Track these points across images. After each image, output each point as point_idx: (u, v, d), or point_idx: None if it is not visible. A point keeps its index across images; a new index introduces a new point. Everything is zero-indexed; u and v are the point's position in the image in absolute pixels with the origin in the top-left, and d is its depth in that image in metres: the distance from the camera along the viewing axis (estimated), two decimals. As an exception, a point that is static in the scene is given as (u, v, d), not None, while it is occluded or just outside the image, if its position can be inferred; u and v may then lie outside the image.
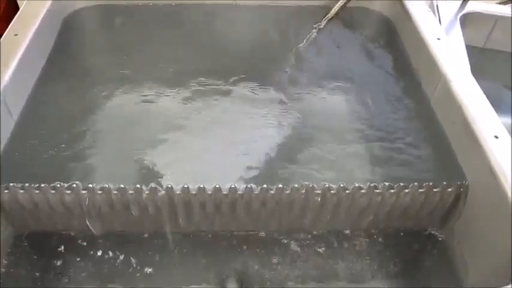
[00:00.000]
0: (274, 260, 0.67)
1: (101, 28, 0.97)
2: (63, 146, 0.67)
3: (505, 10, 1.10)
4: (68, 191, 0.61)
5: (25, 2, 0.86)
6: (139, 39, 0.91)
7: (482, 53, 1.14)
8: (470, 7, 1.09)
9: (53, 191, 0.61)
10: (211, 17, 0.98)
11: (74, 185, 0.61)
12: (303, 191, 0.63)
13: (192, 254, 0.67)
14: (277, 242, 0.68)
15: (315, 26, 0.96)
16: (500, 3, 1.15)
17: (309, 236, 0.69)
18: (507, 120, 0.97)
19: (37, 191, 0.61)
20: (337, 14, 0.97)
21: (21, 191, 0.61)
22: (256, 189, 0.62)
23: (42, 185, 0.61)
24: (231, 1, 1.00)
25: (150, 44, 0.90)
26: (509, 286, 0.51)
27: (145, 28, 0.94)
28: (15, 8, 1.30)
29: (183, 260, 0.67)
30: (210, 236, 0.68)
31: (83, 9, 0.97)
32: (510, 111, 1.05)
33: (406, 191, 0.64)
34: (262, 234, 0.69)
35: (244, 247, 0.68)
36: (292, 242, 0.68)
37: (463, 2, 1.09)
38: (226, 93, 0.78)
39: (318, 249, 0.68)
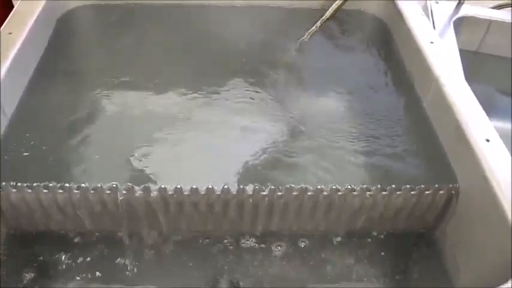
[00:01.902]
0: (267, 261, 0.67)
1: (96, 28, 0.97)
2: (57, 145, 0.67)
3: (498, 14, 1.11)
4: (61, 191, 0.61)
5: (20, 0, 0.86)
6: (134, 39, 0.91)
7: (475, 56, 1.15)
8: (464, 11, 1.10)
9: (46, 190, 0.61)
10: (207, 17, 0.98)
11: (67, 185, 0.61)
12: (296, 192, 0.63)
13: (185, 255, 0.67)
14: (270, 242, 0.68)
15: (309, 28, 0.96)
16: (494, 8, 1.16)
17: (302, 237, 0.69)
18: (499, 124, 0.98)
19: (29, 190, 0.61)
20: (332, 16, 0.98)
21: (14, 190, 0.61)
22: (249, 190, 0.62)
23: (35, 184, 0.61)
24: (229, 2, 1.00)
25: (144, 44, 0.90)
26: (509, 285, 0.51)
27: (140, 28, 0.94)
28: (10, 6, 1.30)
29: (175, 260, 0.66)
30: (202, 236, 0.68)
31: (78, 8, 0.96)
32: (501, 115, 1.06)
33: (398, 193, 0.64)
34: (255, 234, 0.69)
35: (238, 248, 0.68)
36: (285, 243, 0.68)
37: (457, 6, 1.10)
38: (221, 94, 0.79)
39: (311, 250, 0.68)
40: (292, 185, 0.63)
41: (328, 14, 0.97)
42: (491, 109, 0.96)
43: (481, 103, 0.70)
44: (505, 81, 1.11)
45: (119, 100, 0.76)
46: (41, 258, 0.65)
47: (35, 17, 0.81)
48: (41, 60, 0.81)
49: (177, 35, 0.93)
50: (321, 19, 0.97)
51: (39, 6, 0.85)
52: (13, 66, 0.71)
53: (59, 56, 0.85)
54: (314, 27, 0.97)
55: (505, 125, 1.05)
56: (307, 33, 0.95)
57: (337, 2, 0.97)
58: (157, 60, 0.85)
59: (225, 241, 0.68)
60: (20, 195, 0.61)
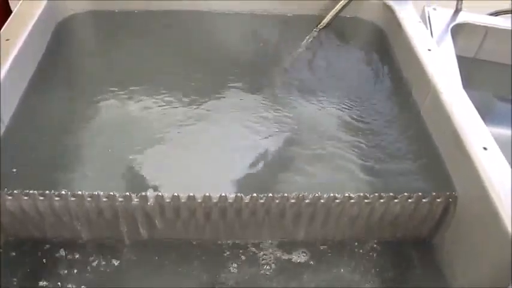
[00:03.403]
0: (265, 269, 0.66)
1: (95, 34, 0.97)
2: (53, 152, 0.67)
3: (496, 21, 1.12)
4: (57, 198, 0.61)
5: (18, 5, 0.86)
6: (133, 46, 0.91)
7: (473, 63, 1.15)
8: (461, 18, 1.10)
9: (42, 198, 0.61)
10: (206, 24, 0.98)
11: (63, 192, 0.61)
12: (293, 200, 0.63)
13: (181, 262, 0.67)
14: (267, 250, 0.68)
15: (307, 35, 0.97)
16: (491, 15, 1.16)
17: (299, 245, 0.69)
18: (497, 130, 0.98)
19: (26, 198, 0.61)
20: (329, 23, 0.98)
21: (10, 198, 0.61)
22: (246, 198, 0.62)
23: (31, 191, 0.60)
24: (228, 9, 1.01)
25: (143, 51, 0.90)
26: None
27: (139, 35, 0.94)
28: (8, 12, 1.29)
29: (172, 268, 0.66)
30: (199, 244, 0.68)
31: (77, 14, 0.96)
32: (499, 122, 1.06)
33: (396, 201, 0.64)
34: (253, 242, 0.69)
35: (235, 255, 0.68)
36: (282, 251, 0.68)
37: (454, 13, 1.11)
38: (217, 102, 0.79)
39: (308, 258, 0.68)
40: (289, 193, 0.62)
41: (325, 21, 0.98)
42: (489, 115, 0.96)
43: (478, 109, 0.70)
44: (503, 88, 1.12)
45: (116, 107, 0.76)
46: (38, 265, 0.65)
47: (33, 23, 0.82)
48: (38, 66, 0.81)
49: (176, 42, 0.93)
50: (319, 26, 0.98)
51: (38, 12, 0.85)
52: (11, 73, 0.71)
53: (57, 62, 0.84)
54: (312, 33, 0.97)
55: (503, 131, 1.05)
56: (305, 40, 0.96)
57: (335, 8, 0.97)
58: (157, 68, 0.85)
59: (223, 249, 0.68)
60: (17, 202, 0.61)
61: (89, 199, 0.61)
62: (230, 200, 0.62)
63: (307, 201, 0.63)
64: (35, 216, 0.63)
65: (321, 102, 0.81)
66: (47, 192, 0.61)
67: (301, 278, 0.66)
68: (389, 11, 0.96)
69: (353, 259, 0.68)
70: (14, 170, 0.63)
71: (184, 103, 0.78)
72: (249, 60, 0.90)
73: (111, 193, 0.61)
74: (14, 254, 0.66)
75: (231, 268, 0.66)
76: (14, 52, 0.74)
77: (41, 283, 0.63)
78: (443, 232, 0.67)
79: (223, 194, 0.62)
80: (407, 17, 0.92)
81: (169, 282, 0.65)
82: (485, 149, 0.63)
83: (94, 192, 0.61)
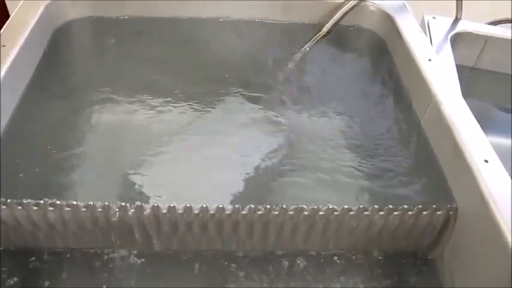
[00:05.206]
0: (262, 281, 0.66)
1: (93, 41, 0.96)
2: (49, 162, 0.66)
3: (495, 30, 1.12)
4: (51, 208, 0.60)
5: (15, 11, 0.85)
6: (131, 53, 0.90)
7: (472, 72, 1.15)
8: (461, 27, 1.10)
9: (36, 208, 0.60)
10: (206, 31, 0.98)
11: (58, 202, 0.60)
12: (291, 212, 0.62)
13: (178, 274, 0.66)
14: (264, 262, 0.67)
15: (306, 43, 0.96)
16: (490, 24, 1.16)
17: (296, 257, 0.68)
18: (497, 140, 0.98)
19: (19, 207, 0.60)
20: (329, 31, 0.98)
21: (3, 207, 0.59)
22: (244, 210, 0.61)
23: (25, 201, 0.59)
24: (225, 16, 1.00)
25: (141, 58, 0.89)
26: None
27: (137, 42, 0.94)
28: (5, 17, 1.29)
29: (168, 279, 0.65)
30: (196, 255, 0.67)
31: (75, 20, 0.96)
32: (499, 131, 1.06)
33: (396, 213, 0.63)
34: (250, 254, 0.68)
35: (232, 267, 0.67)
36: (279, 263, 0.67)
37: (454, 22, 1.11)
38: (215, 111, 0.78)
39: (305, 271, 0.67)
40: (288, 205, 0.62)
41: (325, 29, 0.97)
42: (488, 125, 0.96)
43: (478, 119, 0.70)
44: (503, 97, 1.12)
45: (113, 116, 0.75)
46: (31, 275, 0.64)
47: (30, 29, 0.81)
48: (34, 73, 0.80)
49: (176, 49, 0.93)
50: (318, 35, 0.97)
51: (35, 17, 0.84)
52: (6, 80, 0.70)
53: (54, 70, 0.84)
54: (311, 42, 0.96)
55: (502, 140, 1.05)
56: (304, 49, 0.95)
57: (335, 17, 0.97)
58: (155, 76, 0.84)
59: (220, 261, 0.67)
60: (10, 212, 0.60)
61: (83, 209, 0.60)
62: (227, 212, 0.61)
63: (305, 213, 0.62)
64: (29, 226, 0.62)
65: (319, 111, 0.80)
66: (41, 202, 0.60)
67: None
68: (389, 19, 0.96)
69: (351, 272, 0.67)
70: (9, 178, 0.62)
71: (183, 111, 0.77)
72: (247, 68, 0.90)
73: (107, 203, 0.60)
74: (6, 263, 0.65)
75: (230, 278, 0.65)
76: (11, 58, 0.73)
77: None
78: (443, 245, 0.67)
79: (220, 206, 0.61)
80: (408, 26, 0.92)
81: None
82: (486, 161, 0.62)
83: (89, 203, 0.60)
